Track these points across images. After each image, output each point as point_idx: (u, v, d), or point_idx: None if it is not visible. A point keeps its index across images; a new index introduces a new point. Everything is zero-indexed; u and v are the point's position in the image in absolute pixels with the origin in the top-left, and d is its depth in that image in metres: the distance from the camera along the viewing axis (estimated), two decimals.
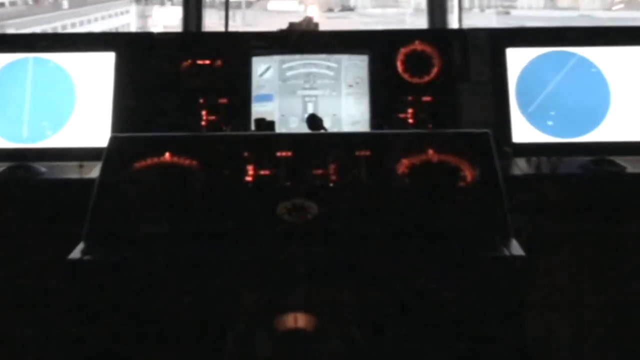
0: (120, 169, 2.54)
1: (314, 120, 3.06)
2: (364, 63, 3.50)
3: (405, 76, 3.47)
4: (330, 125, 3.38)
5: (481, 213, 2.45)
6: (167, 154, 2.56)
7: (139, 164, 2.53)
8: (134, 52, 3.48)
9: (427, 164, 2.52)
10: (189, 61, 3.49)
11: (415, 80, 3.46)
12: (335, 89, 3.49)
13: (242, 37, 3.64)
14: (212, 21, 4.61)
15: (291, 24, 3.71)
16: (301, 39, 3.57)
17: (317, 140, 2.71)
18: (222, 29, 4.35)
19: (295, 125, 3.48)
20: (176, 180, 2.52)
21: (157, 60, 3.50)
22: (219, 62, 3.49)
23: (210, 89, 3.45)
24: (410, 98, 3.44)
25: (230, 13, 4.48)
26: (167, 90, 3.47)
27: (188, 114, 3.44)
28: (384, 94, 3.46)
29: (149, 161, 2.54)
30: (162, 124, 3.40)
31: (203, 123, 3.44)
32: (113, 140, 2.64)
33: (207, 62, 3.48)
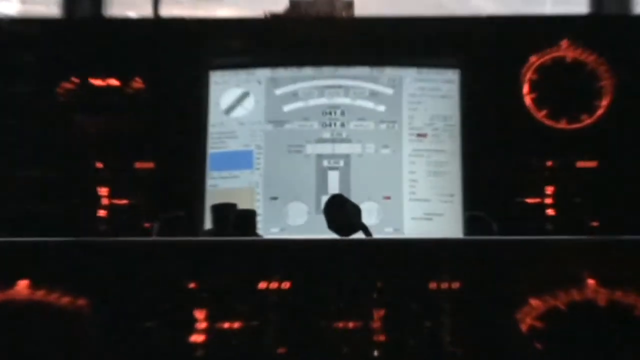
0: None
1: (341, 211, 2.27)
2: (453, 85, 2.66)
3: (539, 115, 2.61)
4: (378, 220, 2.60)
5: None
6: (23, 283, 1.98)
7: None
8: None
9: (588, 306, 1.97)
10: (76, 80, 2.66)
11: (562, 124, 2.60)
12: (390, 141, 2.64)
13: (190, 29, 2.76)
14: None
15: (295, 2, 2.94)
16: (316, 36, 2.72)
17: (347, 255, 1.97)
18: (148, 10, 3.55)
19: (302, 220, 2.70)
20: (43, 336, 1.91)
21: (6, 79, 2.69)
22: (137, 83, 2.66)
23: (118, 143, 2.67)
24: (549, 163, 2.61)
25: None
26: (25, 144, 2.68)
27: (70, 193, 2.65)
28: (492, 152, 2.69)
29: None
30: (15, 216, 2.66)
31: (101, 213, 2.64)
32: None
33: (115, 82, 2.67)
